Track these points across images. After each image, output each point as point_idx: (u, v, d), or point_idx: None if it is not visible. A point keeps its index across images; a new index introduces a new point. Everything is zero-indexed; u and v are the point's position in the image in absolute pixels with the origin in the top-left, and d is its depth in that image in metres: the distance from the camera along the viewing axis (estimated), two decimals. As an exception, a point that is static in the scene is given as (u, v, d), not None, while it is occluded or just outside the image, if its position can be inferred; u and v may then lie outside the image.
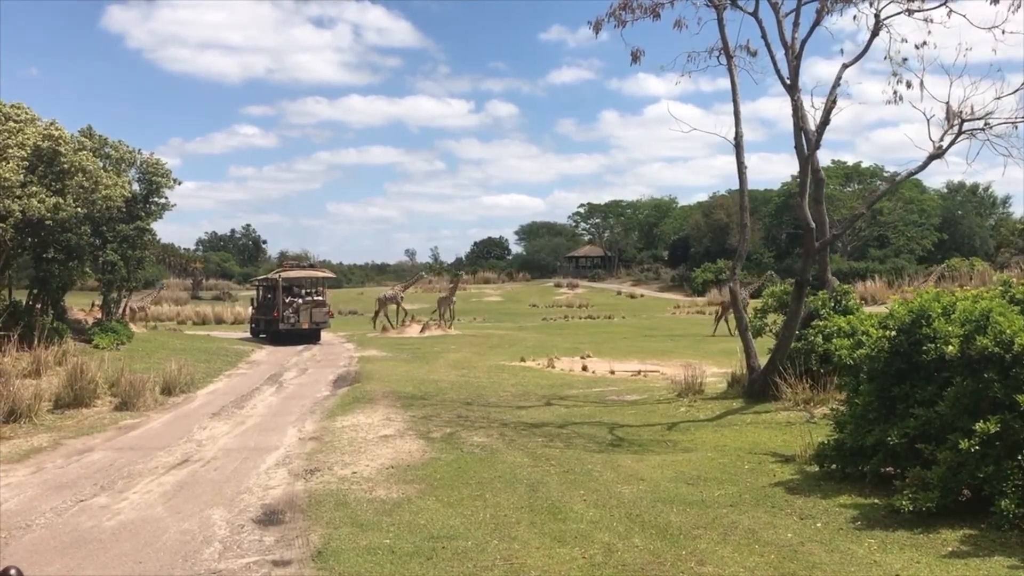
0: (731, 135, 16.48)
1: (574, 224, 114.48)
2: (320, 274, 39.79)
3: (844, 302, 16.64)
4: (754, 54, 16.25)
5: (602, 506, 9.01)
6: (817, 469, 10.44)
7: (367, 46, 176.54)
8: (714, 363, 24.85)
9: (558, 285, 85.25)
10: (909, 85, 15.68)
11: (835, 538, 7.73)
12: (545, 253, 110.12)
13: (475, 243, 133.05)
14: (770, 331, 17.46)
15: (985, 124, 13.98)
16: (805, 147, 14.64)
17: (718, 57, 16.91)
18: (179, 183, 27.16)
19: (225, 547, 7.78)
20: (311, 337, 34.48)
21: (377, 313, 40.93)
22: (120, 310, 28.23)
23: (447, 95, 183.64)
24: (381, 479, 10.30)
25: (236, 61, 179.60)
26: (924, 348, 8.98)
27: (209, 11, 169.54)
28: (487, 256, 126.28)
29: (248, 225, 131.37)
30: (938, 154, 14.55)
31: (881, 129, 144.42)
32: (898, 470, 9.27)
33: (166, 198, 26.94)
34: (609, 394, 18.50)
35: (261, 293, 39.91)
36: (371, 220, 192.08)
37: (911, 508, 7.95)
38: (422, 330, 37.60)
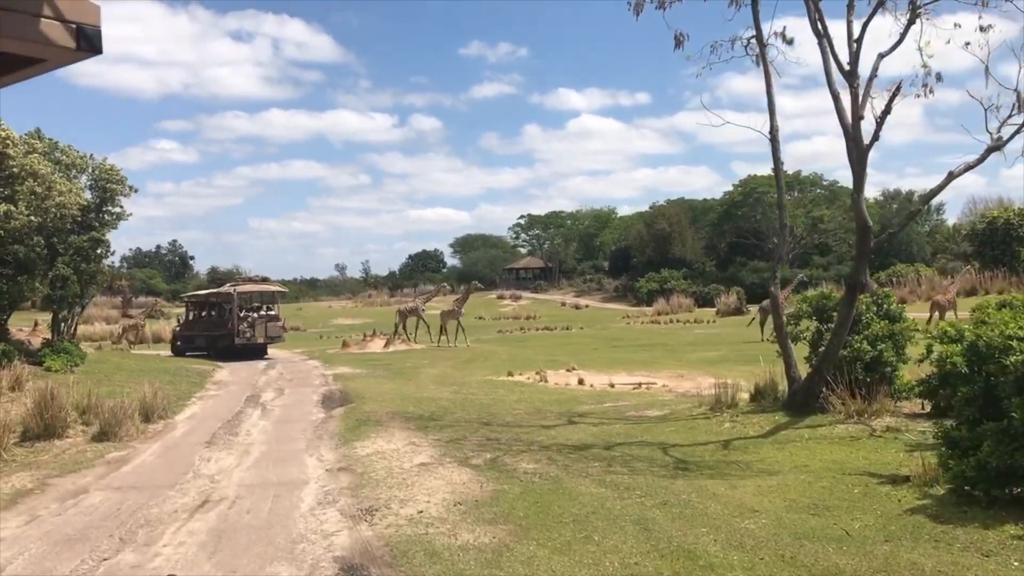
0: (766, 129, 15.35)
1: (514, 235, 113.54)
2: (273, 288, 38.18)
3: (886, 306, 15.67)
4: (790, 42, 15.21)
5: (740, 547, 7.66)
6: (943, 492, 9.29)
7: (287, 60, 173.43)
8: (703, 372, 23.85)
9: (501, 297, 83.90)
10: (939, 78, 14.81)
11: (1055, 581, 6.52)
12: (482, 265, 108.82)
13: (410, 256, 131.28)
14: (804, 338, 16.33)
15: (1051, 115, 13.11)
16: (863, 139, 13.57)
17: (745, 47, 15.82)
18: (135, 191, 25.03)
19: (322, 620, 6.21)
20: (258, 352, 33.47)
21: (397, 326, 39.31)
22: (71, 328, 25.90)
23: (369, 109, 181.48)
24: (456, 519, 8.79)
25: (151, 75, 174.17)
26: (1097, 354, 7.87)
27: (122, 24, 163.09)
28: (423, 269, 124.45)
29: (175, 241, 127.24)
30: (997, 146, 13.64)
31: (795, 142, 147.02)
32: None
33: (121, 207, 24.76)
34: (626, 409, 17.20)
35: (197, 308, 38.18)
36: (295, 235, 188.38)
37: None
38: (386, 345, 35.89)
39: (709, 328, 45.67)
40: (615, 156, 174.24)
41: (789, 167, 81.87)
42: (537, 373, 23.86)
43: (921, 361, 14.30)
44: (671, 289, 67.97)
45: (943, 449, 10.09)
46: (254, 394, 21.10)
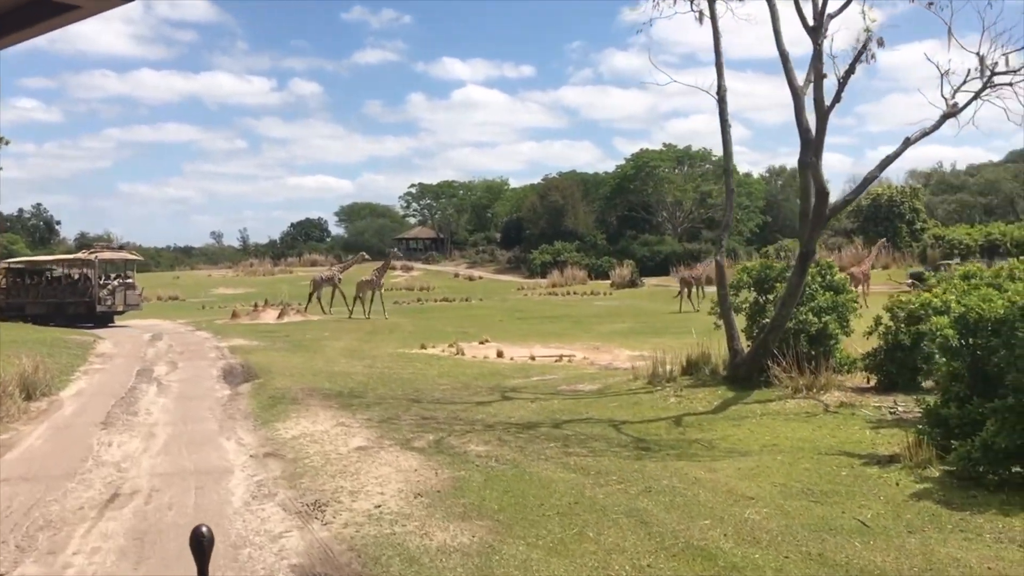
0: (713, 89, 14.58)
1: (405, 204, 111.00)
2: (131, 257, 37.32)
3: (829, 277, 15.23)
4: (740, -2, 14.43)
5: (755, 542, 6.80)
6: (938, 474, 8.68)
7: (159, 18, 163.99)
8: (618, 345, 23.28)
9: (392, 268, 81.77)
10: (881, 43, 14.33)
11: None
12: (369, 235, 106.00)
13: (292, 224, 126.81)
14: (745, 310, 15.73)
15: (1010, 83, 12.72)
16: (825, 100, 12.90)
17: (691, 1, 15.01)
18: (7, 143, 22.56)
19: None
20: (104, 320, 33.36)
21: (312, 295, 37.44)
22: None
23: (246, 72, 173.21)
24: (422, 514, 7.64)
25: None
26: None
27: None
28: (306, 238, 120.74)
29: (39, 205, 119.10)
30: (953, 112, 13.22)
31: (674, 119, 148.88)
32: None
33: (-10, 160, 22.28)
34: (557, 383, 16.30)
35: (16, 275, 37.28)
36: (168, 201, 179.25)
37: None
38: (279, 315, 34.03)
39: (608, 300, 45.38)
40: (500, 128, 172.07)
41: (670, 142, 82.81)
42: (451, 345, 22.74)
43: (870, 334, 13.98)
44: (565, 261, 67.44)
45: (925, 427, 9.54)
46: (145, 368, 19.28)
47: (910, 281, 43.79)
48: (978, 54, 12.63)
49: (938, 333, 9.40)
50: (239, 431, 11.81)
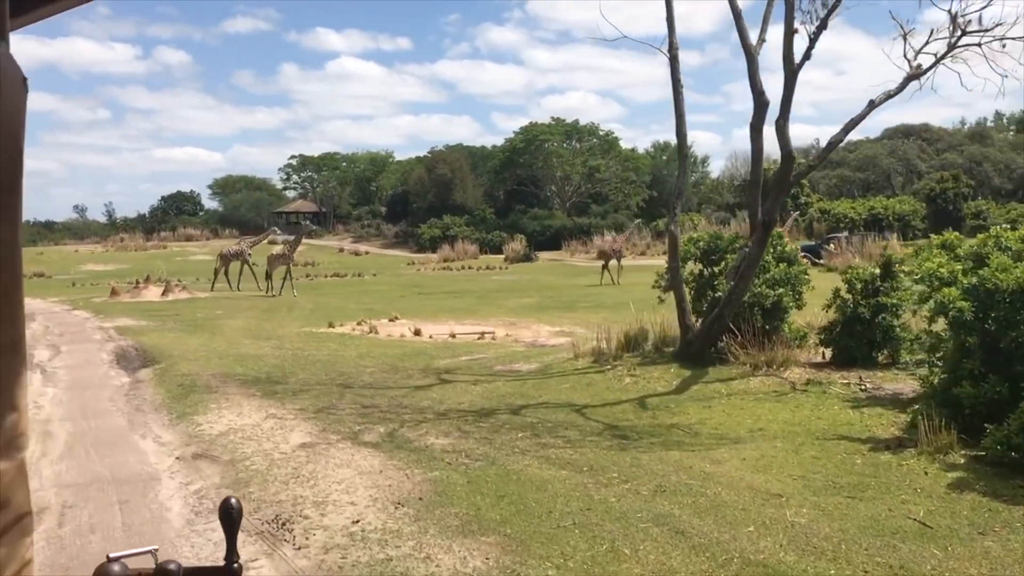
0: (666, 48, 13.59)
1: (284, 176, 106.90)
2: None
3: (780, 248, 14.57)
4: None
5: (819, 553, 5.82)
6: (962, 460, 7.95)
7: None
8: (534, 320, 22.37)
9: (272, 242, 78.68)
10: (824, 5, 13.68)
11: None
12: (246, 208, 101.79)
13: (162, 198, 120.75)
14: (691, 283, 14.91)
15: (979, 43, 12.19)
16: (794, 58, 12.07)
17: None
18: None
19: None
20: None
21: (218, 271, 34.76)
22: None
23: (108, 38, 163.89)
24: (412, 530, 6.35)
25: None
26: None
27: None
28: (177, 212, 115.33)
29: None
30: (916, 74, 12.65)
31: (551, 95, 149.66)
32: None
33: None
34: (491, 363, 15.16)
35: None
36: (25, 173, 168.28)
37: None
38: (164, 293, 31.61)
39: (505, 275, 44.48)
40: (377, 101, 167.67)
41: (545, 119, 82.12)
42: (360, 324, 21.25)
43: (828, 307, 13.34)
44: (455, 236, 66.03)
45: (925, 407, 8.83)
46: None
47: (803, 255, 44.51)
48: (950, 12, 12.04)
49: (951, 306, 8.63)
50: (154, 427, 10.17)
